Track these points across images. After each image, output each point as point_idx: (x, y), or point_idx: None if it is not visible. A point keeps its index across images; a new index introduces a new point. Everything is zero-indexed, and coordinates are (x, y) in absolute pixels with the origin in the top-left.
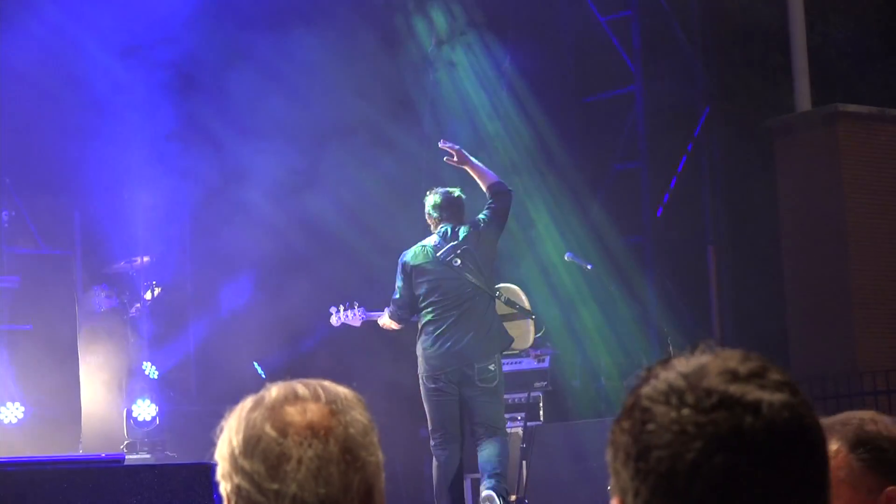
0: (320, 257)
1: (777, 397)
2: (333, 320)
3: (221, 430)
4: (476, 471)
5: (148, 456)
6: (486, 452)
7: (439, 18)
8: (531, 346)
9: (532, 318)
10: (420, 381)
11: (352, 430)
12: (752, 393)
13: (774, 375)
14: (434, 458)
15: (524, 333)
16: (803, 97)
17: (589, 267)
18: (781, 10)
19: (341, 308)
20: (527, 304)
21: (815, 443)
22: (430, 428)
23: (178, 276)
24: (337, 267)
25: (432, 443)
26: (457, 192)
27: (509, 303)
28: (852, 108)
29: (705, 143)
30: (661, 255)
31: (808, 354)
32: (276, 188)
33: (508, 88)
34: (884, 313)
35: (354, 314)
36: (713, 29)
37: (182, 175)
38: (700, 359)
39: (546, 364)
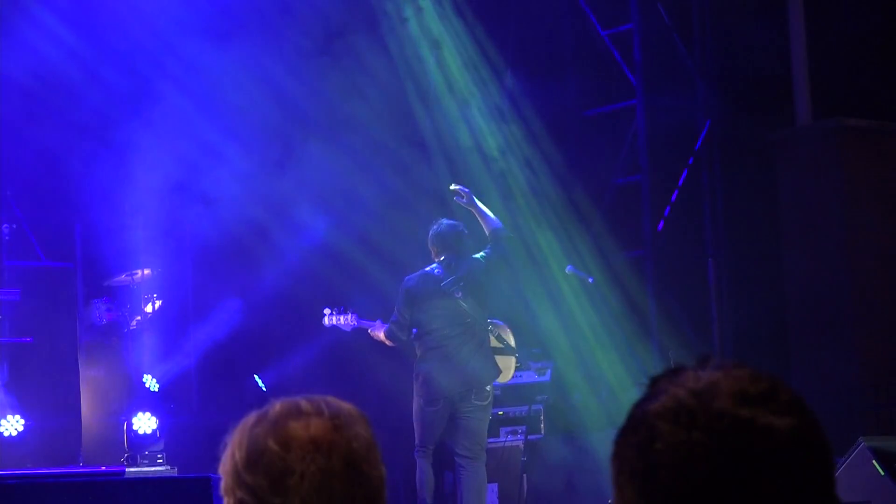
0: (318, 268)
1: (786, 422)
2: (325, 321)
3: (225, 446)
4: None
5: (148, 469)
6: (470, 483)
7: (438, 29)
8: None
9: (515, 357)
10: (416, 400)
11: (355, 445)
12: (763, 418)
13: (784, 396)
14: (420, 463)
15: (507, 369)
16: (804, 111)
17: (590, 280)
18: (783, 23)
19: (334, 311)
20: (513, 343)
21: (824, 463)
22: (418, 439)
23: (178, 289)
24: (335, 277)
25: (419, 451)
26: (461, 225)
27: (499, 338)
28: (854, 122)
29: (706, 157)
30: (661, 269)
31: (810, 367)
32: (274, 198)
33: (509, 101)
34: (887, 327)
35: (347, 319)
36: (714, 43)
37: (183, 188)
38: (710, 376)
39: (547, 377)
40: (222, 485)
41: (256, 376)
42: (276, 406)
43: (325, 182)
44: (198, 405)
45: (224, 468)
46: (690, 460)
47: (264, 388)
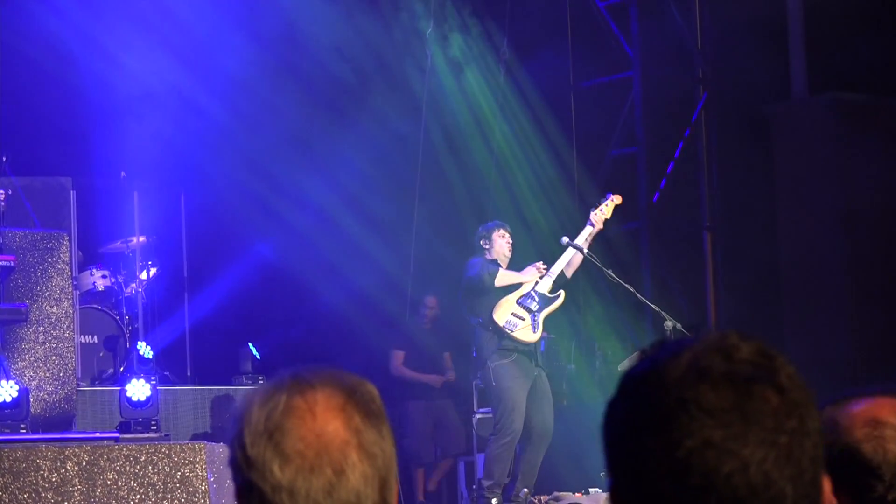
0: (317, 239)
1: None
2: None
3: (233, 417)
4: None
5: (142, 436)
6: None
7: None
8: None
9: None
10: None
11: (366, 420)
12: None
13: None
14: None
15: None
16: (801, 85)
17: (585, 252)
18: None
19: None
20: None
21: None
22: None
23: (173, 257)
24: (333, 248)
25: None
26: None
27: None
28: (849, 96)
29: (702, 129)
30: (657, 241)
31: (803, 339)
32: (272, 167)
33: (506, 72)
34: (880, 300)
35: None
36: (711, 14)
37: (179, 154)
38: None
39: (542, 347)
40: (230, 457)
41: (251, 344)
42: (284, 378)
43: (320, 150)
44: (192, 372)
45: (233, 441)
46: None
47: (258, 357)
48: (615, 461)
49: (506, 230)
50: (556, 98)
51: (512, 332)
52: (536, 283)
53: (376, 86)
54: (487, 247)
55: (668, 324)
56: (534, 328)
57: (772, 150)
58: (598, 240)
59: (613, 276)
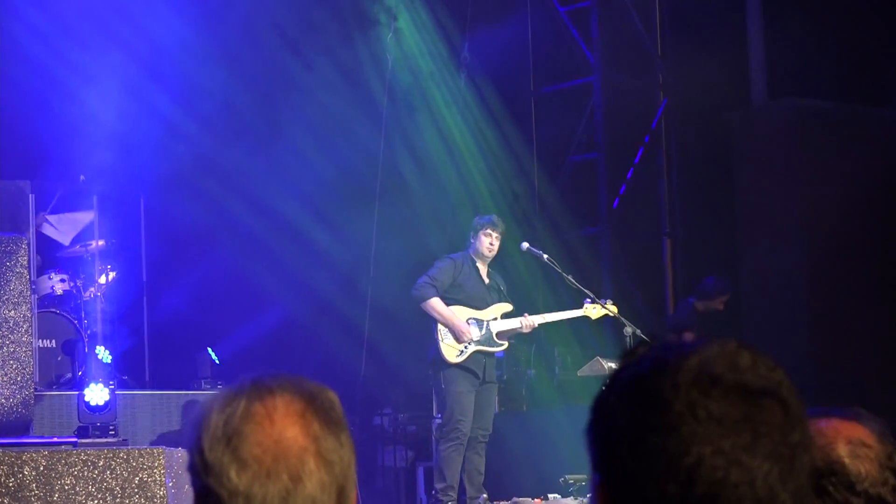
0: (276, 243)
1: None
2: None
3: (192, 423)
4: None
5: (100, 440)
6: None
7: (399, 6)
8: None
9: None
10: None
11: (325, 427)
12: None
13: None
14: None
15: None
16: (761, 91)
17: (545, 257)
18: (741, 3)
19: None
20: None
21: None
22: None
23: (132, 261)
24: (292, 252)
25: None
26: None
27: None
28: (810, 102)
29: (662, 135)
30: (616, 247)
31: (763, 344)
32: (230, 171)
33: (467, 77)
34: (839, 308)
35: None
36: (672, 21)
37: (138, 158)
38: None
39: (501, 354)
40: (188, 462)
41: (210, 349)
42: (243, 384)
43: (281, 158)
44: (151, 377)
45: (190, 446)
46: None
47: (217, 362)
48: (610, 460)
49: (494, 229)
50: (516, 103)
51: (439, 341)
52: (495, 318)
53: (338, 90)
54: (473, 240)
55: (628, 329)
56: (459, 353)
57: (731, 155)
58: (558, 244)
59: (573, 281)
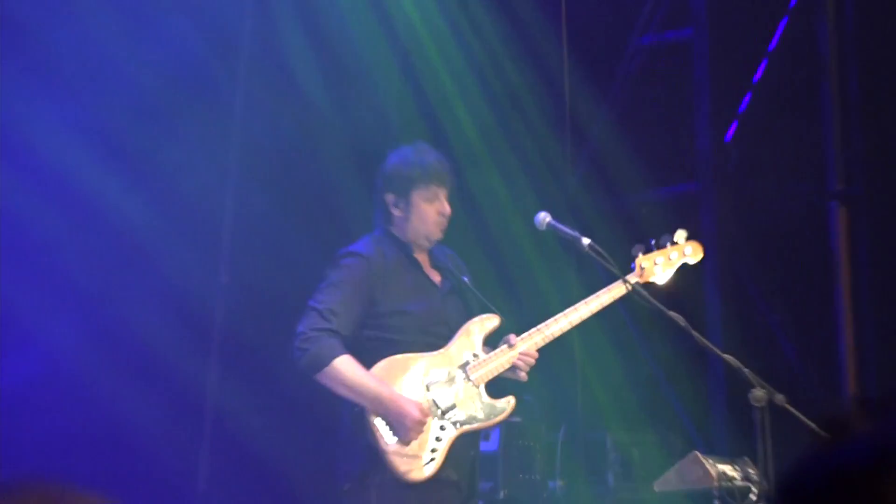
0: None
1: None
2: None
3: None
4: None
5: None
6: None
7: None
8: None
9: None
10: None
11: None
12: None
13: None
14: None
15: None
16: None
17: (585, 243)
18: None
19: None
20: None
21: None
22: None
23: None
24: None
25: None
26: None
27: None
28: None
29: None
30: (731, 216)
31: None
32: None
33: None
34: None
35: None
36: None
37: None
38: None
39: (496, 434)
40: None
41: None
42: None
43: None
44: None
45: None
46: None
47: None
48: None
49: (442, 185)
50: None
51: (378, 438)
52: (475, 355)
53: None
54: (397, 212)
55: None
56: (427, 461)
57: None
58: (606, 213)
59: (648, 297)
